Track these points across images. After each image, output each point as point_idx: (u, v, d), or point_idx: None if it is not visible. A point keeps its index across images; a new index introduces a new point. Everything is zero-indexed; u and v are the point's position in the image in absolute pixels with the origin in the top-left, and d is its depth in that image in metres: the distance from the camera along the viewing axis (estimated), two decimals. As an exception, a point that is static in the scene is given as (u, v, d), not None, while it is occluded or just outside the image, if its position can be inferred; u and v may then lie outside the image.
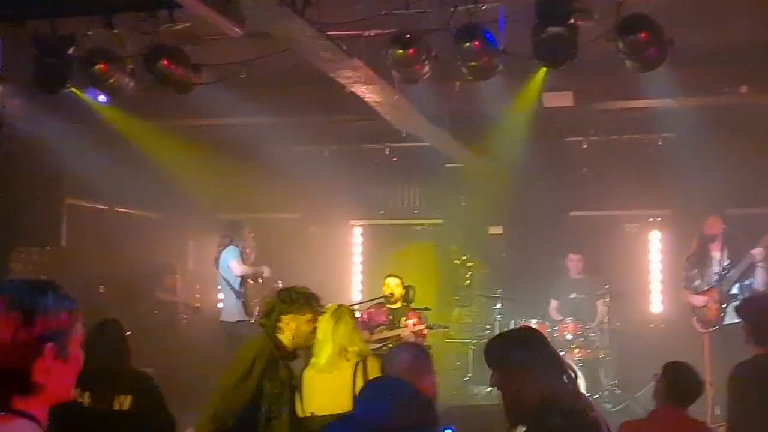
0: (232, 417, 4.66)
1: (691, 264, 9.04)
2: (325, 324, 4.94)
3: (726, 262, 8.76)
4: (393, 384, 3.31)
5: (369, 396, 3.24)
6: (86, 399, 5.17)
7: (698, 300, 8.88)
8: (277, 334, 4.88)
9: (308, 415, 4.69)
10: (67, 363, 2.03)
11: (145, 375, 5.64)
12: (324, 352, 4.87)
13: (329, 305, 5.18)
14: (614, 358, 10.21)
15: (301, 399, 4.80)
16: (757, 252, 8.51)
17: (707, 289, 8.79)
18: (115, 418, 5.12)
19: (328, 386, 4.73)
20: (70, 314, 2.06)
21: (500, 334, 3.79)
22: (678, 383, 4.69)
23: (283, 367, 4.81)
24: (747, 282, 8.58)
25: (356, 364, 4.82)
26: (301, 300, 4.88)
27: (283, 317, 4.85)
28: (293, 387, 4.90)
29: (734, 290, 8.58)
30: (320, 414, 4.62)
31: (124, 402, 5.17)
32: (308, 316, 4.87)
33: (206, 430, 4.73)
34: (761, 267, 8.49)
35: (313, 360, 4.94)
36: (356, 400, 3.32)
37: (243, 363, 4.73)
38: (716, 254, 8.88)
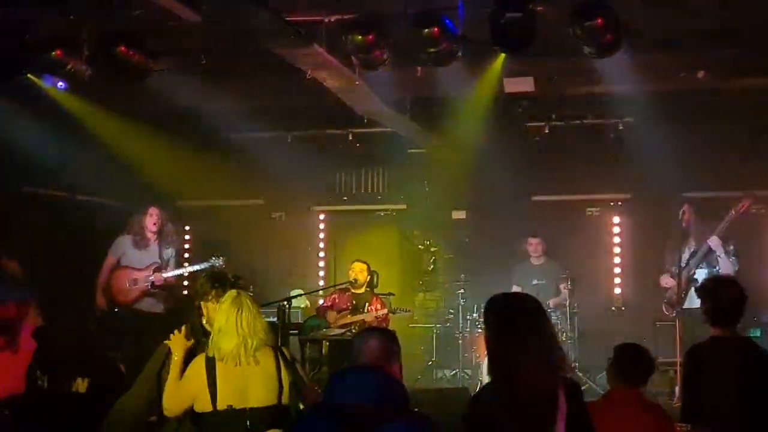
0: (148, 406, 4.65)
1: (669, 249, 9.09)
2: (226, 313, 4.58)
3: (692, 248, 8.86)
4: (371, 372, 3.29)
5: (348, 384, 3.22)
6: (45, 382, 5.18)
7: (667, 282, 8.98)
8: (198, 316, 4.87)
9: (224, 408, 4.45)
10: (17, 354, 2.01)
11: (105, 357, 5.64)
12: (229, 341, 4.49)
13: (228, 293, 4.72)
14: (575, 341, 10.30)
15: (212, 393, 4.41)
16: (713, 241, 8.62)
17: (677, 273, 8.86)
18: (70, 400, 5.13)
19: (252, 377, 4.46)
20: (18, 306, 2.04)
21: None
22: (627, 364, 4.75)
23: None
24: (714, 270, 8.64)
25: (276, 352, 4.60)
26: (207, 286, 4.88)
27: (201, 303, 4.87)
28: None
29: (698, 276, 8.63)
30: (239, 407, 4.42)
31: (81, 385, 5.18)
32: (212, 304, 4.82)
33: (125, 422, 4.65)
34: (721, 256, 8.58)
35: (215, 351, 4.49)
36: (332, 388, 3.22)
37: (160, 353, 4.73)
38: (691, 240, 8.95)
